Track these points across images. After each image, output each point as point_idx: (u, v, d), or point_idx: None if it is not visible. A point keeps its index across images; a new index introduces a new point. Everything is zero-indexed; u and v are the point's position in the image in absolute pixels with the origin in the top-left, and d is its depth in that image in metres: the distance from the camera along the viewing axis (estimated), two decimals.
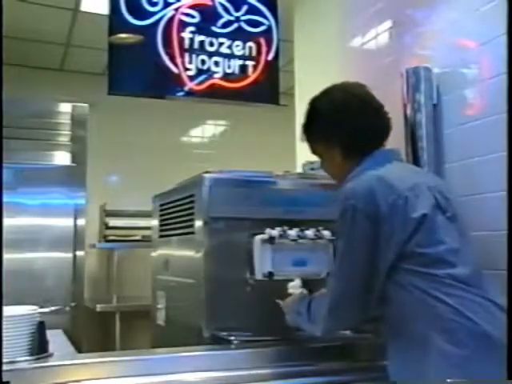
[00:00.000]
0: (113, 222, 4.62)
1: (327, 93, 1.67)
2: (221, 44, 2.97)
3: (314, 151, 1.72)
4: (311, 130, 1.69)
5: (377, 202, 1.41)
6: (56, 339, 1.82)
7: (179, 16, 2.88)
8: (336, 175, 1.68)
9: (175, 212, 2.26)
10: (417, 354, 1.35)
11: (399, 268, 1.41)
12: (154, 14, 2.82)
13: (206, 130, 5.67)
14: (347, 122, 1.60)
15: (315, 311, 1.57)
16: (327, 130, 1.63)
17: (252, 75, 3.03)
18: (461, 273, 1.39)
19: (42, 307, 1.69)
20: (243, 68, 3.02)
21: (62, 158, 3.85)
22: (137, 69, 2.79)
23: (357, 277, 1.44)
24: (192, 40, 2.90)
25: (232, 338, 1.76)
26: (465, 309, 1.33)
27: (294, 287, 1.85)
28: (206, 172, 1.98)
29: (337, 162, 1.63)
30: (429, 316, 1.36)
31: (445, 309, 1.34)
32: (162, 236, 2.45)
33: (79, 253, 3.67)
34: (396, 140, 2.20)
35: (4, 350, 1.43)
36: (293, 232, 1.89)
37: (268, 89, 3.09)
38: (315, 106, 1.68)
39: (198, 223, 1.99)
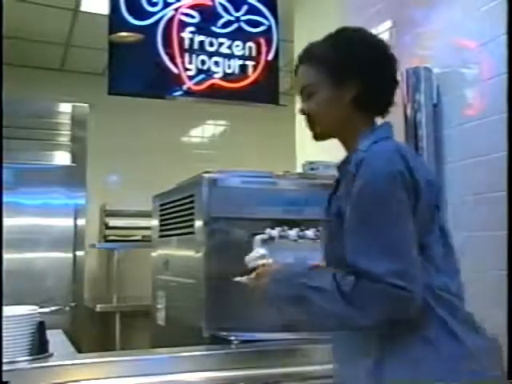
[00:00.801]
0: (113, 221, 4.63)
1: (361, 30, 1.43)
2: (221, 44, 2.97)
3: (311, 82, 1.41)
4: (332, 57, 1.37)
5: (413, 172, 1.23)
6: (56, 339, 1.82)
7: (179, 16, 2.88)
8: (327, 119, 1.40)
9: (175, 212, 2.26)
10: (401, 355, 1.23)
11: None
12: (153, 14, 2.82)
13: (206, 130, 5.67)
14: (376, 65, 1.36)
15: (354, 292, 1.18)
16: (354, 65, 1.35)
17: (252, 75, 3.04)
18: (453, 282, 1.29)
19: (42, 307, 1.69)
20: (243, 68, 3.02)
21: (62, 157, 3.86)
22: (137, 69, 2.79)
23: (414, 252, 1.21)
24: (192, 40, 2.90)
25: (232, 338, 1.76)
26: (453, 323, 1.23)
27: (261, 258, 1.54)
28: (206, 172, 1.98)
29: (339, 105, 1.37)
30: (419, 322, 1.23)
31: (434, 319, 1.23)
32: (161, 236, 2.45)
33: (79, 253, 3.67)
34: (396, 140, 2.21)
35: (4, 350, 1.43)
36: (293, 232, 1.89)
37: (268, 89, 3.10)
38: (347, 36, 1.41)
39: (198, 223, 1.99)
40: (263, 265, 1.47)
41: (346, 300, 1.18)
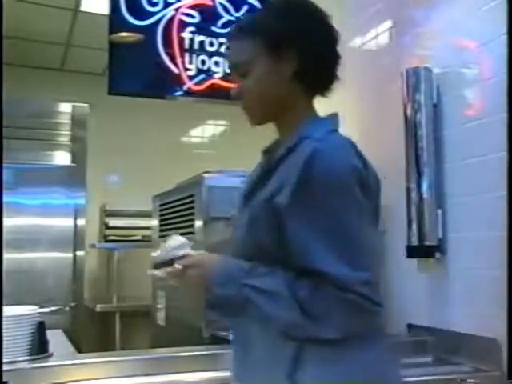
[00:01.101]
0: (113, 222, 4.63)
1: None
2: (221, 44, 2.97)
3: (246, 58, 1.21)
4: (269, 25, 1.20)
5: (368, 169, 1.15)
6: (56, 339, 1.82)
7: (179, 16, 2.88)
8: (266, 98, 1.22)
9: (175, 212, 2.26)
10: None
11: None
12: (154, 14, 2.82)
13: (206, 130, 5.67)
14: (317, 35, 1.22)
15: (313, 298, 1.03)
16: (293, 34, 1.19)
17: None
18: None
19: (42, 307, 1.69)
20: None
21: (62, 157, 3.86)
22: (137, 69, 2.79)
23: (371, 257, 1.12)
24: (192, 40, 2.90)
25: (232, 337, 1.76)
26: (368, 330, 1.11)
27: (183, 247, 1.23)
28: (206, 172, 1.98)
29: (279, 81, 1.20)
30: None
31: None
32: (162, 236, 2.45)
33: (79, 253, 3.67)
34: (396, 140, 2.21)
35: (4, 350, 1.44)
36: None
37: None
38: (285, 3, 1.26)
39: (198, 223, 1.99)
40: (183, 256, 1.20)
41: (302, 308, 1.02)
